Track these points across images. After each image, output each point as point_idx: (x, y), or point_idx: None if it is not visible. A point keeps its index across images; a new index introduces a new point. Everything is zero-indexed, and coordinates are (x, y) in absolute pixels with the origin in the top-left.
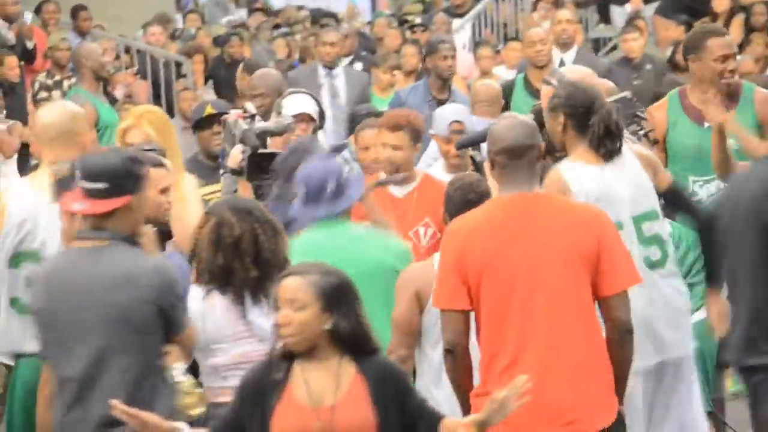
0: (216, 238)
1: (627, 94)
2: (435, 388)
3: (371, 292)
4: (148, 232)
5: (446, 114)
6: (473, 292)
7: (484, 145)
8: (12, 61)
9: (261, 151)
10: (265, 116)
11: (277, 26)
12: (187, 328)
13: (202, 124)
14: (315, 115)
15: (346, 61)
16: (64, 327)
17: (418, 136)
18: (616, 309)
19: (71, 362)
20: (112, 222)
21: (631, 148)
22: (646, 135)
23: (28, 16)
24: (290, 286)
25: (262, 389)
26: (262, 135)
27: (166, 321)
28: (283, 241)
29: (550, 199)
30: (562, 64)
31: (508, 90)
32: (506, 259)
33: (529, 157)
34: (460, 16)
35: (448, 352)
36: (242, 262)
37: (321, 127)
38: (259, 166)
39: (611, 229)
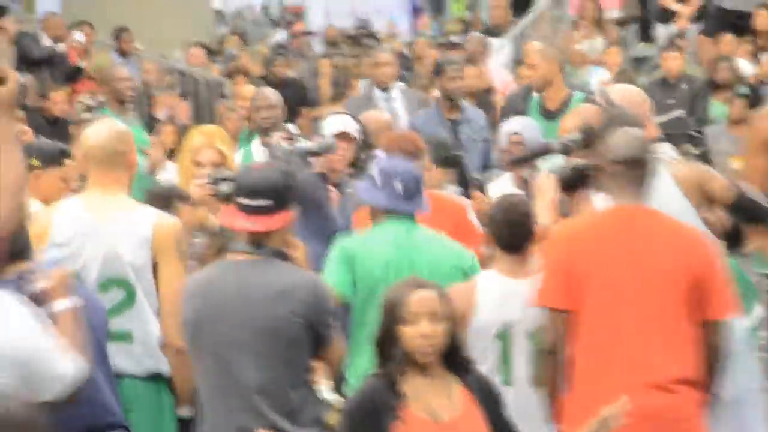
0: None
1: (680, 113)
2: None
3: None
4: (301, 246)
5: (508, 127)
6: (576, 296)
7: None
8: (58, 95)
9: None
10: (273, 129)
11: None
12: (334, 343)
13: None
14: (356, 134)
15: None
16: (218, 338)
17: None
18: (716, 334)
19: (223, 372)
20: (270, 237)
21: (674, 170)
22: (700, 154)
23: (80, 36)
24: (429, 298)
25: (375, 409)
26: (304, 155)
27: (315, 336)
28: None
29: (660, 215)
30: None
31: (518, 100)
32: (613, 269)
33: (644, 170)
34: (500, 35)
35: (550, 353)
36: None
37: (364, 146)
38: None
39: (718, 254)
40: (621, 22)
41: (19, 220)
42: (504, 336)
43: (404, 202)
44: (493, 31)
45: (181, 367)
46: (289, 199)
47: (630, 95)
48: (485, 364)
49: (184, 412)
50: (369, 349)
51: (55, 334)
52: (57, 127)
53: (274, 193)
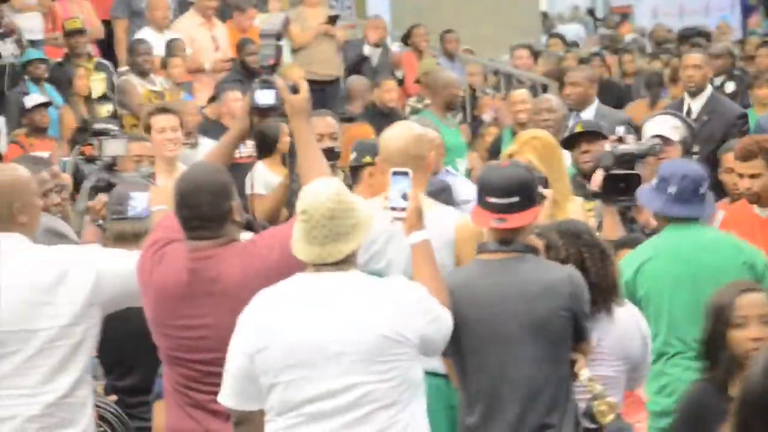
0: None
1: None
2: None
3: None
4: (539, 243)
5: None
6: None
7: None
8: (389, 83)
9: (614, 171)
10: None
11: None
12: (590, 335)
13: (571, 142)
14: (676, 136)
15: (718, 81)
16: (484, 338)
17: None
18: None
19: (489, 372)
20: (519, 233)
21: None
22: None
23: (396, 47)
24: (758, 300)
25: (706, 414)
26: (624, 157)
27: (576, 329)
28: (611, 265)
29: None
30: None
31: None
32: None
33: None
34: None
35: None
36: None
37: (690, 150)
38: (615, 187)
39: None
40: None
41: None
42: None
43: (678, 205)
44: None
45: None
46: (535, 195)
47: None
48: None
49: None
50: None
51: None
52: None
53: (523, 190)
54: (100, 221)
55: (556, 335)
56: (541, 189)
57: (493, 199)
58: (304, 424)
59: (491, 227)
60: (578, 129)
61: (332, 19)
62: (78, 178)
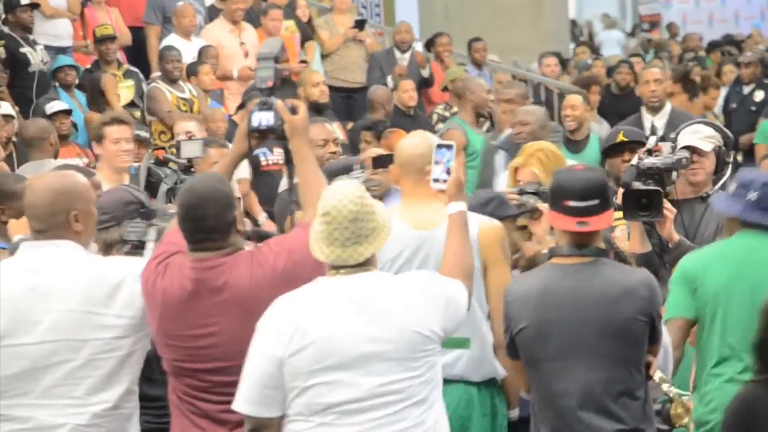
0: None
1: None
2: None
3: None
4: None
5: None
6: None
7: None
8: (407, 84)
9: (636, 187)
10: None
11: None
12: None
13: (612, 150)
14: (708, 147)
15: (747, 89)
16: (564, 343)
17: None
18: None
19: (566, 377)
20: (593, 237)
21: None
22: None
23: (418, 46)
24: None
25: (758, 415)
26: (649, 171)
27: (652, 331)
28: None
29: None
30: (653, 128)
31: None
32: None
33: None
34: None
35: None
36: None
37: (725, 160)
38: (637, 202)
39: None
40: None
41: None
42: None
43: (759, 212)
44: None
45: (512, 370)
46: (610, 196)
47: None
48: None
49: (514, 414)
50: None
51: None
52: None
53: (601, 192)
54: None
55: (634, 338)
56: (539, 203)
57: (572, 203)
58: (338, 420)
59: (575, 230)
60: (620, 138)
61: (360, 24)
62: (153, 182)
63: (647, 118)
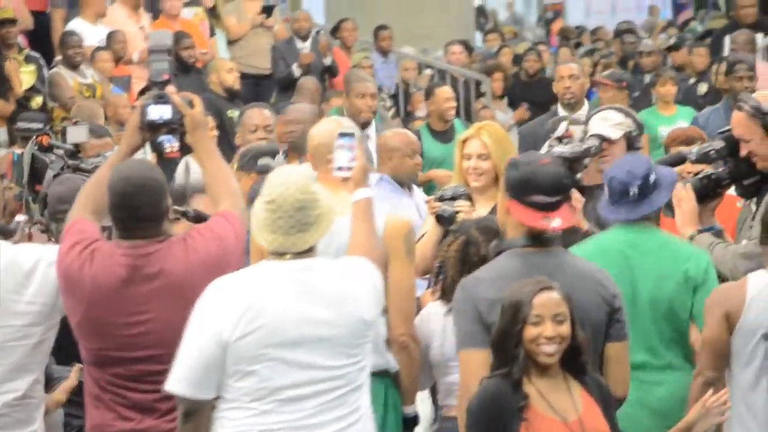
0: (463, 257)
1: None
2: (746, 411)
3: (664, 307)
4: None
5: None
6: None
7: None
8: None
9: None
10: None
11: (578, 44)
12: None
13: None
14: (617, 134)
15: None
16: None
17: None
18: None
19: None
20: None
21: None
22: None
23: (322, 35)
24: (553, 300)
25: (500, 409)
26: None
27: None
28: None
29: None
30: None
31: None
32: None
33: None
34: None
35: None
36: None
37: (634, 145)
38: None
39: None
40: None
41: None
42: None
43: (607, 209)
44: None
45: (407, 364)
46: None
47: None
48: (752, 366)
49: (410, 410)
50: None
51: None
52: None
53: (567, 188)
54: None
55: (597, 327)
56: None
57: (540, 198)
58: (280, 407)
59: (549, 228)
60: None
61: (267, 10)
62: (38, 168)
63: (563, 115)
